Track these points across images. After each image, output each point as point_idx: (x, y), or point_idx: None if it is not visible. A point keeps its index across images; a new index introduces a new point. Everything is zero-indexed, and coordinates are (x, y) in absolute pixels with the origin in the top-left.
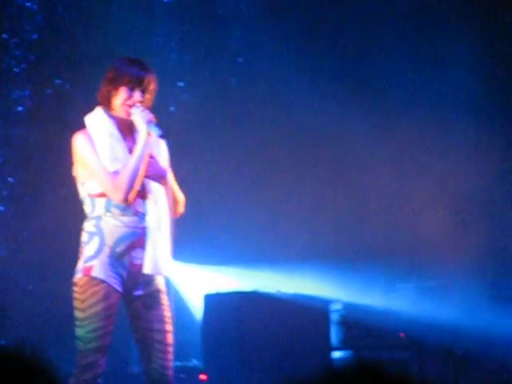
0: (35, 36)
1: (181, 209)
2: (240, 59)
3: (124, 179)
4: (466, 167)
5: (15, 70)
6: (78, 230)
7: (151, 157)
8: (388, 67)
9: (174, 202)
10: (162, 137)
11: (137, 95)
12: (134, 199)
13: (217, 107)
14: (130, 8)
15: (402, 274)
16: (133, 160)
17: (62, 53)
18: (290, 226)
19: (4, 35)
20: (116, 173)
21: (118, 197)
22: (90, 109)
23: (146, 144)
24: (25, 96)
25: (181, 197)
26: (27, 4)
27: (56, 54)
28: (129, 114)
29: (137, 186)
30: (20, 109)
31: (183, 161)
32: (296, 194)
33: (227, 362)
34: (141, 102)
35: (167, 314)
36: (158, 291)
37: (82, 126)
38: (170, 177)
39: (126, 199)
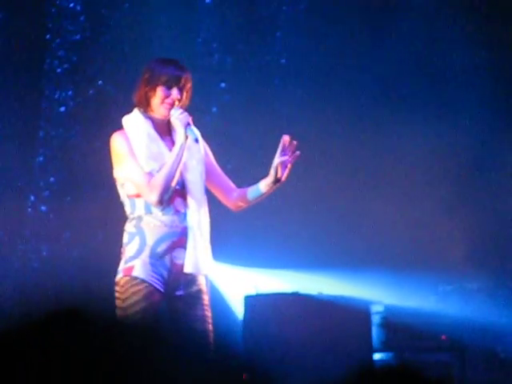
0: (78, 37)
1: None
2: (283, 60)
3: (159, 181)
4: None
5: (58, 70)
6: (120, 231)
7: (190, 159)
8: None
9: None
10: (196, 141)
11: (175, 93)
12: (173, 199)
13: (259, 108)
14: (172, 9)
15: (445, 277)
16: (169, 163)
17: (104, 54)
18: (333, 228)
19: (47, 36)
20: (151, 174)
21: (152, 198)
22: (132, 110)
23: (183, 147)
24: (67, 96)
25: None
26: (70, 5)
27: (98, 54)
28: (168, 114)
29: (171, 189)
30: (62, 109)
31: (225, 161)
32: (342, 197)
33: (268, 364)
34: (179, 100)
35: (208, 314)
36: (199, 291)
37: (120, 127)
38: (218, 173)
39: (160, 201)
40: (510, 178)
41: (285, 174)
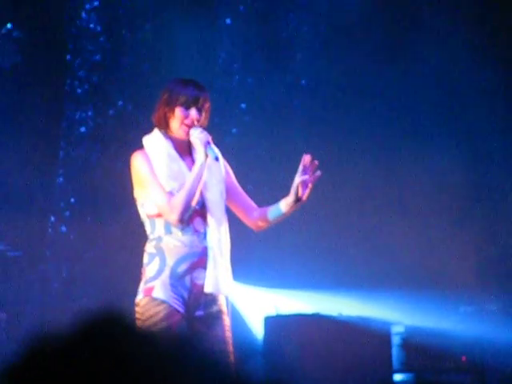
0: (98, 57)
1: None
2: (303, 81)
3: (179, 201)
4: None
5: (78, 90)
6: (141, 252)
7: (210, 178)
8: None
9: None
10: (217, 159)
11: (193, 113)
12: (192, 219)
13: (279, 129)
14: (192, 29)
15: (465, 297)
16: (189, 182)
17: (124, 74)
18: (353, 249)
19: (67, 56)
20: (171, 193)
21: (172, 218)
22: (151, 130)
23: (203, 166)
24: (87, 117)
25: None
26: (90, 25)
27: (118, 75)
28: (187, 134)
29: (192, 208)
30: (82, 129)
31: (245, 182)
32: (361, 218)
33: None
34: (198, 120)
35: (228, 334)
36: (219, 312)
37: (140, 147)
38: (239, 192)
39: (180, 220)
40: None
41: (306, 194)
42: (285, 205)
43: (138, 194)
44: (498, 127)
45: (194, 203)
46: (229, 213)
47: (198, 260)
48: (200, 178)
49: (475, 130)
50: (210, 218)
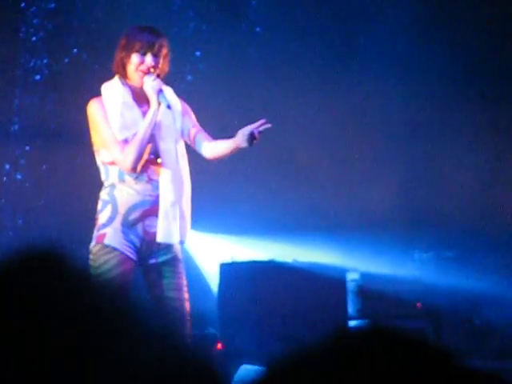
0: (53, 5)
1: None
2: (258, 29)
3: (132, 148)
4: None
5: (33, 38)
6: (96, 199)
7: (164, 126)
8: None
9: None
10: (169, 107)
11: (149, 60)
12: (147, 167)
13: (234, 77)
14: None
15: (421, 244)
16: (141, 130)
17: (79, 22)
18: (307, 195)
19: (22, 4)
20: (125, 141)
21: (125, 166)
22: (107, 78)
23: (156, 114)
24: (42, 65)
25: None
26: None
27: (73, 23)
28: (143, 81)
29: (144, 156)
30: (37, 77)
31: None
32: (312, 161)
33: (243, 331)
34: (154, 67)
35: (183, 282)
36: (173, 259)
37: (98, 94)
38: (196, 130)
39: (133, 168)
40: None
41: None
42: (231, 143)
43: (94, 140)
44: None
45: (146, 151)
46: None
47: (151, 208)
48: (153, 126)
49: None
50: (163, 168)
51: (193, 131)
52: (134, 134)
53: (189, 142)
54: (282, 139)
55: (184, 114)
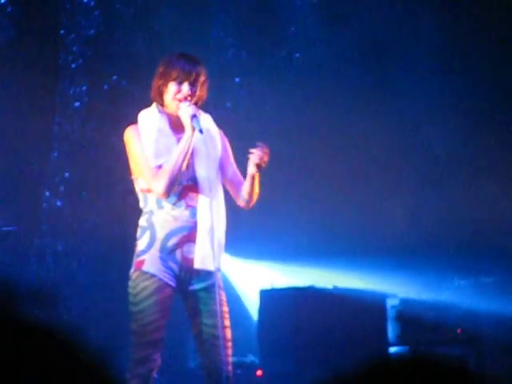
0: (92, 31)
1: (252, 201)
2: (297, 54)
3: (165, 173)
4: None
5: (72, 65)
6: (135, 226)
7: (202, 153)
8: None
9: (250, 195)
10: (201, 132)
11: (185, 88)
12: (185, 194)
13: (273, 103)
14: (187, 3)
15: (460, 270)
16: (174, 155)
17: (118, 49)
18: (350, 221)
19: (61, 31)
20: (159, 167)
21: (157, 190)
22: (146, 105)
23: (190, 139)
24: (81, 92)
25: (256, 189)
26: (84, 0)
27: (113, 49)
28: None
29: (176, 181)
30: (77, 104)
31: (241, 155)
32: (357, 192)
33: (283, 358)
34: (190, 96)
35: (225, 308)
36: (213, 286)
37: (137, 122)
38: (233, 169)
39: (165, 193)
40: None
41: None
42: (247, 176)
43: (132, 168)
44: None
45: (179, 175)
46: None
47: (189, 234)
48: (186, 151)
49: None
50: (201, 193)
51: (228, 171)
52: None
53: (224, 183)
54: (321, 166)
55: (223, 147)
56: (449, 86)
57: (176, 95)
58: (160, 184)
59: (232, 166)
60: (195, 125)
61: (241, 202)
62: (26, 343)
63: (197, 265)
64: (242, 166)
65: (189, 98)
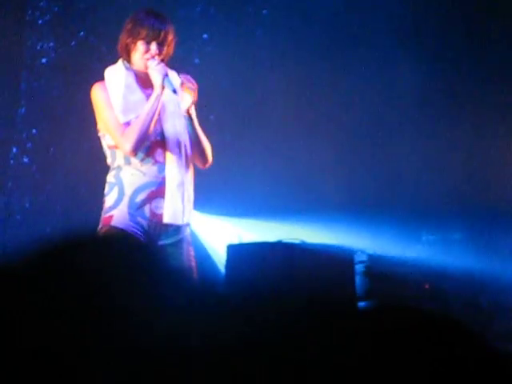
0: None
1: (208, 158)
2: (264, 11)
3: (133, 131)
4: None
5: (39, 21)
6: (103, 183)
7: (170, 110)
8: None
9: (201, 151)
10: (174, 92)
11: (153, 48)
12: (153, 149)
13: (241, 59)
14: None
15: (428, 226)
16: (143, 113)
17: (86, 4)
18: (316, 175)
19: None
20: (127, 124)
21: (125, 148)
22: (114, 62)
23: (158, 97)
24: (49, 48)
25: (208, 146)
26: None
27: (80, 5)
28: (147, 68)
29: (146, 139)
30: (44, 60)
31: (209, 112)
32: (321, 143)
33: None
34: (158, 55)
35: (193, 264)
36: (182, 241)
37: (103, 78)
38: (196, 126)
39: (133, 151)
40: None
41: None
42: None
43: (100, 125)
44: None
45: (148, 134)
46: None
47: (157, 190)
48: (155, 110)
49: None
50: (168, 149)
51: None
52: (137, 117)
53: None
54: (291, 123)
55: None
56: None
57: (144, 55)
58: (128, 142)
59: (195, 122)
60: (167, 84)
61: (196, 160)
62: None
63: (166, 219)
64: (209, 121)
65: (156, 57)
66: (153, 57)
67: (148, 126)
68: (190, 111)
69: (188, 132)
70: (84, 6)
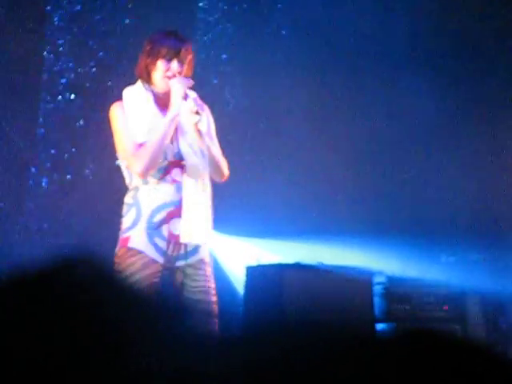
0: (78, 7)
1: (224, 173)
2: (283, 31)
3: (144, 153)
4: None
5: (58, 41)
6: (121, 203)
7: (189, 129)
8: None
9: (215, 166)
10: (197, 113)
11: (174, 66)
12: (170, 169)
13: (260, 79)
14: None
15: (447, 248)
16: (157, 134)
17: (105, 25)
18: (335, 197)
19: (47, 7)
20: (140, 145)
21: (136, 169)
22: (132, 82)
23: (174, 119)
24: (68, 68)
25: (222, 161)
26: None
27: (99, 26)
28: (168, 87)
29: (157, 161)
30: (63, 81)
31: (227, 132)
32: (341, 164)
33: (268, 335)
34: (179, 73)
35: (211, 284)
36: (201, 262)
37: (121, 98)
38: (214, 145)
39: (144, 172)
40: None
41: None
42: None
43: (116, 145)
44: None
45: (159, 155)
46: None
47: (175, 210)
48: (168, 131)
49: None
50: (185, 169)
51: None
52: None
53: None
54: (310, 143)
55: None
56: None
57: (165, 73)
58: (139, 163)
59: (214, 143)
60: (192, 105)
61: (213, 175)
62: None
63: (183, 239)
64: (228, 142)
65: (177, 76)
66: (174, 75)
67: (160, 147)
68: (199, 127)
69: (200, 150)
70: (103, 27)
